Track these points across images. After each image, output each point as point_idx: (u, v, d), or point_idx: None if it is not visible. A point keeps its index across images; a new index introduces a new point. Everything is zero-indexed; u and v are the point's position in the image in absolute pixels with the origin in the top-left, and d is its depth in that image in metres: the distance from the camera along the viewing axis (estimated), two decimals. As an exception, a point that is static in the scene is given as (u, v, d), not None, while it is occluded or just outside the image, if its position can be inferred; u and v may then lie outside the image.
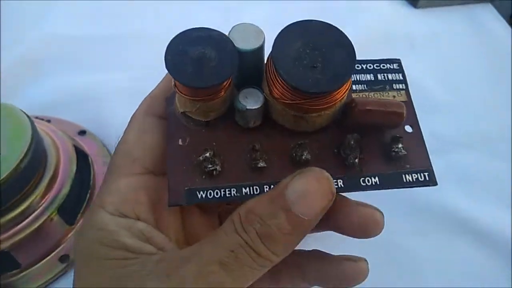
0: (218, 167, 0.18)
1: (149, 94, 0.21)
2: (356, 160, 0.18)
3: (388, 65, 0.22)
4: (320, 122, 0.18)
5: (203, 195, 0.18)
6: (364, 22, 0.44)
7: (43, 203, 0.27)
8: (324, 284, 0.21)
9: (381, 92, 0.21)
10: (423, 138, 0.20)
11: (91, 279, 0.17)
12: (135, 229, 0.17)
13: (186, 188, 0.18)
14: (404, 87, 0.21)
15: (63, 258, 0.29)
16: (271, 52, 0.17)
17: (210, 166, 0.18)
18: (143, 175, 0.19)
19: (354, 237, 0.20)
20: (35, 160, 0.27)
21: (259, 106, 0.18)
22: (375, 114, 0.18)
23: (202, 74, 0.16)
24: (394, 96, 0.21)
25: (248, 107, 0.17)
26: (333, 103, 0.17)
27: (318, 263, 0.21)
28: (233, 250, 0.15)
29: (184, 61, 0.16)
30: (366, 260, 0.20)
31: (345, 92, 0.17)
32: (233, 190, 0.18)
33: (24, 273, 0.28)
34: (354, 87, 0.21)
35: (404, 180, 0.19)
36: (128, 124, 0.20)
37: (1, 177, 0.24)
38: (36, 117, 0.33)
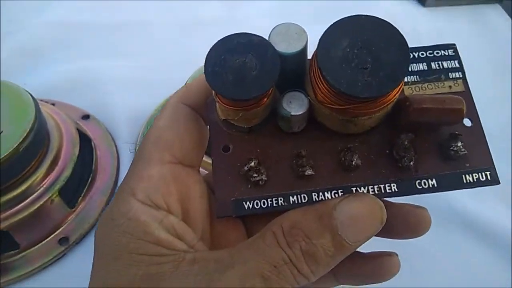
0: (263, 177, 0.17)
1: (185, 84, 0.21)
2: (412, 163, 0.17)
3: (442, 51, 0.20)
4: (370, 124, 0.17)
5: (250, 206, 0.18)
6: None
7: (44, 184, 0.27)
8: (356, 281, 0.21)
9: (436, 83, 0.19)
10: (483, 132, 0.18)
11: (118, 276, 0.16)
12: (167, 222, 0.17)
13: (232, 199, 0.18)
14: (461, 76, 0.19)
15: (62, 241, 0.29)
16: (315, 52, 0.16)
17: (255, 175, 0.17)
18: (172, 164, 0.18)
19: (402, 238, 0.20)
20: (38, 140, 0.27)
21: (304, 111, 0.17)
22: (432, 112, 0.17)
23: (243, 85, 0.15)
24: (450, 86, 0.19)
25: (292, 113, 0.17)
26: (385, 105, 0.16)
27: (350, 262, 0.20)
28: (276, 266, 0.15)
29: (224, 72, 0.16)
30: (397, 254, 0.21)
31: (398, 92, 0.16)
32: (280, 200, 0.18)
33: (22, 254, 0.28)
34: (405, 79, 0.19)
35: (464, 181, 0.18)
36: (162, 110, 0.20)
37: (2, 156, 0.24)
38: (41, 100, 0.33)
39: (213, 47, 0.16)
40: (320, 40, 0.15)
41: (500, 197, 0.33)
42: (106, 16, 0.45)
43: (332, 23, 0.16)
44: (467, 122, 0.19)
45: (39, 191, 0.27)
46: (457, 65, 0.20)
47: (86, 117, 0.36)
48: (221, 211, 0.18)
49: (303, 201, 0.17)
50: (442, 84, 0.19)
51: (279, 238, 0.16)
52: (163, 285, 0.15)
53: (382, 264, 0.20)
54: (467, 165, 0.18)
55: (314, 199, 0.17)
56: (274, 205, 0.17)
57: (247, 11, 0.48)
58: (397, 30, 0.16)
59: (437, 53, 0.20)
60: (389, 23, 0.16)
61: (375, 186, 0.17)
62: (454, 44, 0.20)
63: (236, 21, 0.46)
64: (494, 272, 0.30)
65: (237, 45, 0.16)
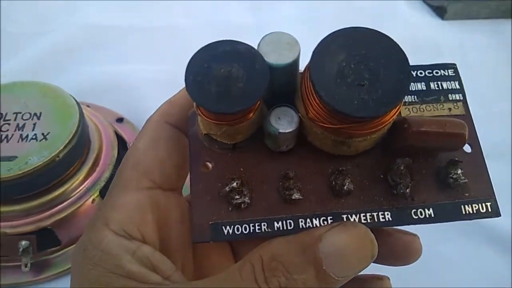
0: (246, 199, 0.16)
1: (169, 99, 0.19)
2: (408, 190, 0.16)
3: (442, 71, 0.19)
4: (364, 146, 0.16)
5: (230, 231, 0.16)
6: (391, 31, 0.46)
7: (86, 184, 0.28)
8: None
9: (434, 104, 0.18)
10: (484, 160, 0.17)
11: None
12: (140, 254, 0.16)
13: (211, 223, 0.16)
14: (461, 98, 0.18)
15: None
16: (308, 65, 0.15)
17: (237, 197, 0.16)
18: (150, 190, 0.17)
19: (390, 265, 0.19)
20: (81, 142, 0.28)
21: (293, 129, 0.16)
22: (432, 136, 0.16)
23: (227, 98, 0.14)
24: (449, 109, 0.18)
25: (281, 131, 0.15)
26: (382, 126, 0.15)
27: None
28: None
29: (207, 82, 0.14)
30: (388, 278, 0.20)
31: (396, 113, 0.15)
32: (264, 225, 0.16)
33: (63, 250, 0.29)
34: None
35: (464, 212, 0.16)
36: (142, 129, 0.19)
37: (49, 157, 0.25)
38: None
39: (196, 53, 0.15)
40: (314, 52, 0.14)
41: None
42: (137, 20, 0.46)
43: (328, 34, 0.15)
44: (467, 148, 0.17)
45: (81, 191, 0.29)
46: (458, 86, 0.19)
47: (120, 120, 0.37)
48: (197, 236, 0.16)
49: (289, 227, 0.16)
50: (441, 106, 0.18)
51: (257, 272, 0.14)
52: None
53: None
54: (466, 194, 0.17)
55: (301, 226, 0.16)
56: (257, 231, 0.16)
57: (276, 16, 0.49)
58: (398, 45, 0.14)
59: (437, 72, 0.19)
60: (390, 37, 0.15)
61: (368, 214, 0.16)
62: (455, 64, 0.19)
63: (265, 25, 0.47)
64: (494, 270, 0.30)
65: (223, 53, 0.15)
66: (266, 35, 0.15)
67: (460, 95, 0.18)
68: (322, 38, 0.14)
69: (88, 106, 0.35)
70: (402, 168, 0.16)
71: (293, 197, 0.16)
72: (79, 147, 0.28)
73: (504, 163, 0.35)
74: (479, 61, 0.44)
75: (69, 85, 0.36)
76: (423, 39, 0.46)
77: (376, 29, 0.15)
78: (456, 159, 0.17)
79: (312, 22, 0.47)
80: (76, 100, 0.28)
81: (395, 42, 0.14)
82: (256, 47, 0.15)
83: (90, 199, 0.29)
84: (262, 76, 0.14)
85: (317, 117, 0.15)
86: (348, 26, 0.15)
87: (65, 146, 0.26)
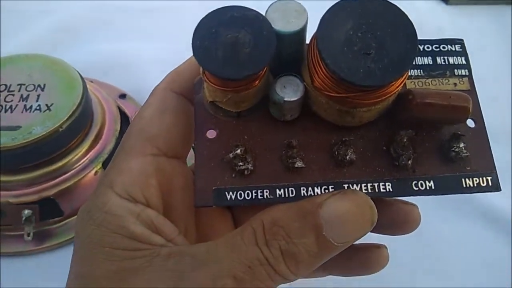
0: (250, 166, 0.16)
1: (175, 68, 0.20)
2: (409, 162, 0.16)
3: (449, 46, 0.19)
4: (368, 117, 0.16)
5: (233, 196, 0.16)
6: None
7: (89, 156, 0.29)
8: (344, 273, 0.21)
9: (440, 79, 0.18)
10: (487, 135, 0.18)
11: (92, 268, 0.16)
12: (144, 216, 0.16)
13: (214, 188, 0.16)
14: (467, 73, 0.19)
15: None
16: (315, 33, 0.15)
17: (241, 164, 0.16)
18: (155, 156, 0.18)
19: (390, 234, 0.20)
20: (84, 114, 0.28)
21: (298, 97, 0.16)
22: (436, 108, 0.16)
23: (234, 63, 0.14)
24: (455, 84, 0.18)
25: (286, 99, 0.16)
26: (387, 96, 0.15)
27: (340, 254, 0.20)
28: (250, 266, 0.14)
29: (214, 47, 0.14)
30: (386, 247, 0.21)
31: (401, 83, 0.15)
32: (266, 192, 0.16)
33: (65, 221, 0.29)
34: (409, 72, 0.18)
35: (464, 185, 0.17)
36: (148, 98, 0.19)
37: (53, 127, 0.26)
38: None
39: (203, 18, 0.15)
40: (322, 20, 0.14)
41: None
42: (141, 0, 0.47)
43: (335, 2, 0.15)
44: (470, 123, 0.18)
45: (84, 162, 0.29)
46: (464, 61, 0.19)
47: (122, 96, 0.37)
48: (200, 200, 0.16)
49: (291, 195, 0.16)
50: (446, 80, 0.18)
51: (258, 235, 0.15)
52: (135, 279, 0.15)
53: (371, 256, 0.20)
54: (468, 168, 0.17)
55: (302, 194, 0.16)
56: (259, 197, 0.16)
57: None
58: (406, 16, 0.15)
59: (444, 47, 0.19)
60: (398, 8, 0.15)
61: (369, 184, 0.17)
62: (462, 40, 0.19)
63: (267, 5, 0.46)
64: (496, 256, 0.31)
65: (231, 18, 0.15)
66: (274, 1, 0.15)
67: (466, 70, 0.19)
68: (330, 6, 0.14)
69: (91, 82, 0.35)
70: (405, 140, 0.17)
71: (296, 165, 0.16)
72: (82, 119, 0.28)
73: (504, 145, 0.36)
74: (482, 46, 0.44)
75: (73, 62, 0.37)
76: (427, 24, 0.46)
77: (389, 1, 0.15)
78: (459, 132, 0.17)
79: (314, 5, 0.47)
80: (79, 74, 0.29)
81: (404, 13, 0.15)
82: (264, 14, 0.15)
83: (93, 171, 0.29)
84: (269, 42, 0.14)
85: (322, 86, 0.15)
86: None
87: (68, 117, 0.26)
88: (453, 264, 0.30)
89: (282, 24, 0.15)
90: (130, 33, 0.43)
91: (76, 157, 0.29)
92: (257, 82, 0.16)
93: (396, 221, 0.18)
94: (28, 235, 0.27)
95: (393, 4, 0.15)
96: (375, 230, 0.19)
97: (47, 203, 0.28)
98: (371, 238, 0.20)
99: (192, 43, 0.14)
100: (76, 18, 0.44)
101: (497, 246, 0.31)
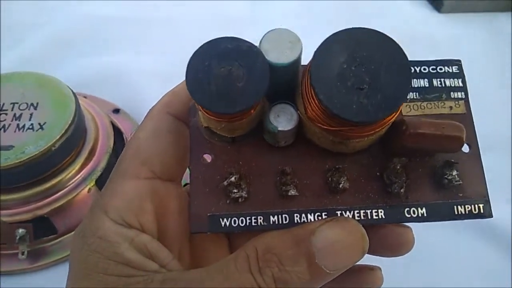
0: (243, 193, 0.17)
1: (172, 89, 0.20)
2: (402, 190, 0.17)
3: (446, 67, 0.19)
4: (362, 146, 0.17)
5: (227, 223, 0.17)
6: (389, 24, 0.50)
7: (82, 174, 0.29)
8: None
9: (436, 102, 0.18)
10: (481, 160, 0.18)
11: None
12: (138, 242, 0.17)
13: (209, 214, 0.17)
14: (463, 96, 0.19)
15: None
16: (309, 65, 0.15)
17: (235, 191, 0.17)
18: (150, 180, 0.18)
19: (382, 256, 0.20)
20: (77, 132, 0.29)
21: (292, 127, 0.16)
22: (429, 138, 0.16)
23: (227, 97, 0.14)
24: (451, 107, 0.18)
25: (280, 129, 0.16)
26: (380, 129, 0.15)
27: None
28: None
29: (207, 80, 0.14)
30: (380, 268, 0.21)
31: (395, 116, 0.15)
32: (260, 219, 0.17)
33: (59, 239, 0.30)
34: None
35: (456, 213, 0.17)
36: (144, 119, 0.19)
37: (46, 146, 0.26)
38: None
39: (197, 51, 0.15)
40: (315, 53, 0.14)
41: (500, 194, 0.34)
42: (135, 11, 0.47)
43: (331, 34, 0.15)
44: (465, 148, 0.18)
45: (78, 180, 0.29)
46: (461, 84, 0.19)
47: (116, 111, 0.37)
48: (195, 226, 0.17)
49: (284, 222, 0.17)
50: (442, 104, 0.18)
51: (251, 262, 0.15)
52: None
53: (365, 279, 0.20)
54: (460, 195, 0.17)
55: (296, 221, 0.17)
56: (253, 224, 0.17)
57: (273, 9, 0.50)
58: (400, 47, 0.15)
59: (440, 69, 0.19)
60: (393, 40, 0.15)
61: (362, 211, 0.17)
62: (459, 61, 0.19)
63: (261, 19, 0.48)
64: (495, 269, 0.31)
65: (224, 50, 0.15)
66: (268, 31, 0.15)
67: (463, 93, 0.19)
68: (325, 39, 0.14)
69: (85, 97, 0.36)
70: (398, 167, 0.17)
71: (289, 194, 0.16)
72: (75, 137, 0.28)
73: (497, 156, 0.36)
74: (475, 55, 0.45)
75: (67, 76, 0.37)
76: (419, 32, 0.47)
77: (380, 31, 0.15)
78: (452, 160, 0.17)
79: (310, 14, 0.48)
80: (72, 91, 0.29)
81: (398, 45, 0.15)
82: (257, 43, 0.15)
83: (86, 189, 0.29)
84: (263, 76, 0.14)
85: (315, 118, 0.15)
86: (350, 27, 0.15)
87: (61, 136, 0.27)
88: (451, 279, 0.30)
89: (276, 55, 0.15)
90: (123, 45, 0.43)
91: (70, 175, 0.29)
92: (251, 111, 0.16)
93: (389, 243, 0.19)
94: (23, 253, 0.27)
95: (388, 37, 0.15)
96: (368, 251, 0.19)
97: (41, 222, 0.28)
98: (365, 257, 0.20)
99: (186, 77, 0.14)
100: (70, 31, 0.44)
101: (496, 259, 0.31)
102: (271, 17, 0.48)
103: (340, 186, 0.17)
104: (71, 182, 0.29)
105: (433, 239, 0.30)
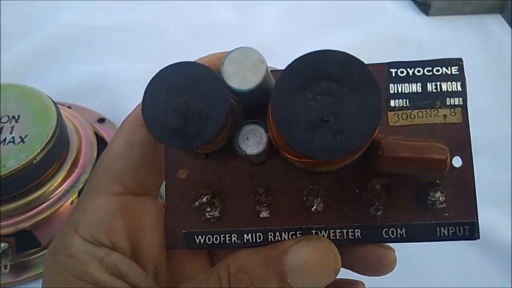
0: (216, 213, 0.17)
1: None
2: (379, 213, 0.16)
3: (444, 68, 0.17)
4: (337, 167, 0.16)
5: (201, 240, 0.17)
6: (376, 27, 0.48)
7: (65, 186, 0.29)
8: None
9: (428, 110, 0.17)
10: (473, 177, 0.16)
11: None
12: (108, 261, 0.17)
13: (184, 231, 0.17)
14: (461, 103, 0.17)
15: (82, 240, 0.32)
16: (270, 100, 0.14)
17: (208, 210, 0.17)
18: (122, 195, 0.18)
19: (363, 275, 0.20)
20: (59, 144, 0.29)
21: (260, 150, 0.15)
22: (408, 162, 0.15)
23: (185, 132, 0.14)
24: (445, 116, 0.17)
25: (248, 153, 0.15)
26: (350, 160, 0.14)
27: None
28: None
29: (164, 113, 0.14)
30: (363, 283, 0.21)
31: (367, 144, 0.14)
32: (234, 237, 0.17)
33: (43, 252, 0.30)
34: (392, 102, 0.17)
35: (438, 234, 0.16)
36: (116, 132, 0.19)
37: (27, 159, 0.26)
38: (58, 103, 0.35)
39: (153, 79, 0.14)
40: (276, 84, 0.13)
41: (500, 203, 0.34)
42: (119, 19, 0.47)
43: (297, 57, 0.14)
44: (457, 161, 0.17)
45: (60, 192, 0.30)
46: (459, 88, 0.17)
47: (101, 120, 0.37)
48: (171, 242, 0.17)
49: (258, 240, 0.17)
50: (435, 112, 0.17)
51: (223, 282, 0.16)
52: None
53: None
54: (446, 214, 0.16)
55: (269, 239, 0.17)
56: (227, 242, 0.17)
57: (259, 16, 0.49)
58: (371, 73, 0.13)
59: (438, 70, 0.17)
60: (362, 62, 0.13)
61: (337, 231, 0.17)
62: (461, 60, 0.17)
63: (247, 26, 0.47)
64: (492, 277, 0.31)
65: (181, 79, 0.14)
66: (231, 51, 0.14)
67: (460, 99, 0.17)
68: (286, 66, 0.13)
69: (69, 107, 0.36)
70: (377, 187, 0.16)
71: (261, 215, 0.16)
72: (57, 149, 0.28)
73: (486, 162, 0.35)
74: (462, 57, 0.43)
75: (52, 85, 0.38)
76: (407, 35, 0.47)
77: (347, 53, 0.13)
78: (437, 181, 0.16)
79: (296, 21, 0.47)
80: (54, 102, 0.29)
81: (368, 69, 0.13)
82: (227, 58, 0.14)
83: (69, 201, 0.30)
84: (221, 107, 0.14)
85: (282, 148, 0.14)
86: (318, 50, 0.13)
87: (42, 149, 0.27)
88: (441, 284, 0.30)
89: (238, 80, 0.14)
90: (109, 53, 0.43)
91: (52, 187, 0.29)
92: (219, 137, 0.15)
93: (369, 263, 0.18)
94: (6, 267, 0.28)
95: (356, 59, 0.13)
96: (349, 267, 0.19)
97: (23, 235, 0.29)
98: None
99: (142, 109, 0.14)
100: (55, 40, 0.44)
101: (496, 274, 0.31)
102: (257, 23, 0.47)
103: (313, 209, 0.16)
104: (53, 195, 0.29)
105: (426, 251, 0.31)
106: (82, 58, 0.43)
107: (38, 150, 0.27)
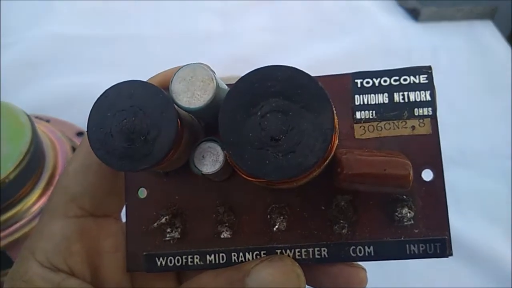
0: (176, 234, 0.16)
1: None
2: (344, 231, 0.15)
3: (412, 77, 0.17)
4: (296, 185, 0.15)
5: (163, 262, 0.17)
6: (366, 33, 0.47)
7: (40, 204, 0.29)
8: None
9: (395, 122, 0.16)
10: (445, 191, 0.16)
11: None
12: (65, 286, 0.16)
13: (144, 253, 0.17)
14: (430, 113, 0.16)
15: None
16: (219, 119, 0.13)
17: (169, 230, 0.16)
18: (80, 217, 0.17)
19: None
20: (34, 161, 0.28)
21: (217, 169, 0.15)
22: (369, 179, 0.14)
23: (131, 153, 0.13)
24: (413, 127, 0.16)
25: (203, 172, 0.15)
26: (307, 178, 0.14)
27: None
28: None
29: (110, 134, 0.14)
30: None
31: (321, 162, 0.14)
32: (196, 258, 0.17)
33: None
34: (357, 114, 0.17)
35: (408, 252, 0.16)
36: (75, 152, 0.18)
37: (1, 177, 0.26)
38: (36, 117, 0.35)
39: (97, 101, 0.14)
40: (223, 103, 0.13)
41: (491, 215, 0.33)
42: (101, 30, 0.47)
43: (249, 71, 0.13)
44: (427, 174, 0.16)
45: (35, 211, 0.29)
46: (428, 97, 0.16)
47: (81, 134, 0.37)
48: (131, 265, 0.17)
49: (221, 261, 0.16)
50: (403, 123, 0.16)
51: None
52: None
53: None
54: (416, 231, 0.16)
55: (233, 260, 0.16)
56: (189, 263, 0.17)
57: (245, 25, 0.49)
58: (321, 86, 0.13)
59: (405, 80, 0.17)
60: (311, 77, 0.13)
61: (303, 250, 0.16)
62: (430, 68, 0.17)
63: (232, 35, 0.47)
64: None
65: (128, 97, 0.14)
66: (181, 68, 0.14)
67: (429, 109, 0.16)
68: (234, 84, 0.13)
69: (48, 121, 0.35)
70: (342, 203, 0.16)
71: (222, 236, 0.16)
72: (31, 167, 0.28)
73: (472, 170, 0.34)
74: (452, 64, 0.45)
75: (31, 98, 0.38)
76: (397, 42, 0.47)
77: (296, 68, 0.13)
78: (404, 196, 0.15)
79: (282, 29, 0.47)
80: (30, 118, 0.28)
81: (319, 85, 0.13)
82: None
83: None
84: (170, 127, 0.13)
85: (235, 168, 0.14)
86: (266, 65, 0.13)
87: (15, 168, 0.26)
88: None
89: (187, 99, 0.14)
90: (91, 65, 0.43)
91: (26, 206, 0.29)
92: (172, 156, 0.15)
93: (338, 283, 0.18)
94: None
95: (305, 74, 0.13)
96: (316, 286, 0.18)
97: None
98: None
99: (87, 130, 0.14)
100: (35, 52, 0.44)
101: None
102: (243, 32, 0.47)
103: (275, 228, 0.16)
104: (28, 213, 0.29)
105: (420, 267, 0.30)
106: (63, 70, 0.43)
107: (11, 169, 0.26)
